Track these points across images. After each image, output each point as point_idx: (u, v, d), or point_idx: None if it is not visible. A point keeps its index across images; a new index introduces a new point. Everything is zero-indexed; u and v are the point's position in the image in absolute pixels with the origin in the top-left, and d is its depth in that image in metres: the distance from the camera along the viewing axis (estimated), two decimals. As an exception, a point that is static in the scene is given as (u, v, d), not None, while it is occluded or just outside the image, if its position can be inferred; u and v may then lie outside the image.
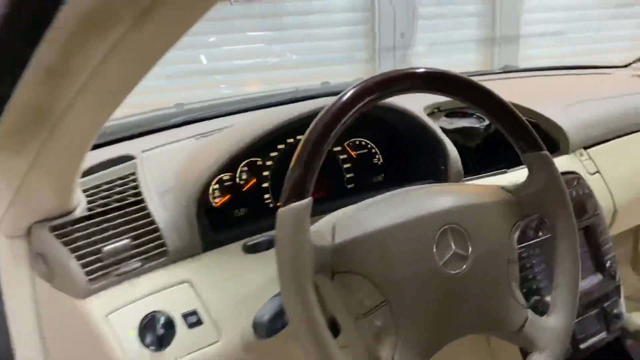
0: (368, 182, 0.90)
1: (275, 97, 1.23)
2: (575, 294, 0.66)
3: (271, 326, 0.59)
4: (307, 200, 0.52)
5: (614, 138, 1.12)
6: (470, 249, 0.59)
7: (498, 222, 0.63)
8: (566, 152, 1.03)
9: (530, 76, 1.38)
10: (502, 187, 0.67)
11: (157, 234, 0.65)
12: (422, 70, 0.60)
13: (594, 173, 1.04)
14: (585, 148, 1.07)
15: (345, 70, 3.25)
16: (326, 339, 0.51)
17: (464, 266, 0.59)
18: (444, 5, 3.44)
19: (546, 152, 0.65)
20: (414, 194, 0.61)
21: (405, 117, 0.84)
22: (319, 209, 0.77)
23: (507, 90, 1.23)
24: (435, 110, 1.01)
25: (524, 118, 0.64)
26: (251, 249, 0.62)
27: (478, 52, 3.49)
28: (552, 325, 0.63)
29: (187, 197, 0.67)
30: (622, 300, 0.97)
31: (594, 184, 1.02)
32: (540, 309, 0.82)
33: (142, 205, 0.67)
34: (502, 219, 0.64)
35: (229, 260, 0.68)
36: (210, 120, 0.92)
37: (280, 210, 0.51)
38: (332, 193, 0.87)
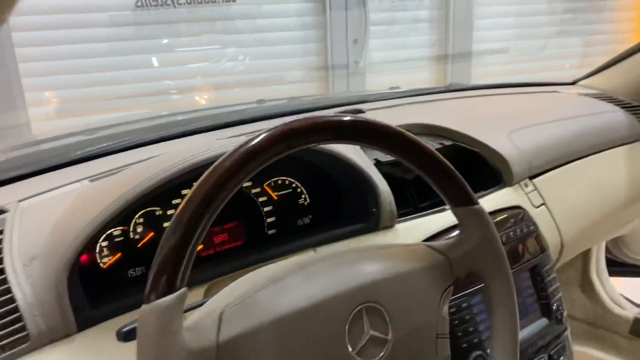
0: (293, 226, 0.80)
1: (203, 120, 1.12)
2: (515, 357, 0.58)
3: None
4: (180, 293, 0.41)
5: (561, 165, 1.06)
6: (390, 331, 0.50)
7: (425, 292, 0.54)
8: (510, 184, 0.96)
9: (476, 95, 1.31)
10: (432, 247, 0.58)
11: (16, 314, 0.53)
12: (343, 119, 0.50)
13: (540, 205, 0.97)
14: (531, 178, 1.00)
15: (298, 75, 3.16)
16: None
17: (383, 352, 0.49)
18: (396, 11, 3.39)
19: (480, 207, 0.57)
20: (322, 266, 0.52)
21: (331, 156, 0.75)
22: (237, 260, 0.66)
23: (451, 113, 1.15)
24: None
25: (454, 169, 0.56)
26: (127, 336, 0.51)
27: (431, 69, 3.47)
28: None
29: (57, 264, 0.56)
30: (570, 346, 0.91)
31: (540, 217, 0.95)
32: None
33: (1, 278, 0.55)
34: (430, 286, 0.55)
35: (106, 345, 0.56)
36: (109, 156, 0.80)
37: (142, 307, 0.40)
38: (252, 240, 0.76)
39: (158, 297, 0.40)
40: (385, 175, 0.80)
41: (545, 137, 1.06)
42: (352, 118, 0.51)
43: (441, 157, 0.55)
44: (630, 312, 1.47)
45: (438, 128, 1.01)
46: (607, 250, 1.67)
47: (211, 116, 1.19)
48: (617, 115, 1.22)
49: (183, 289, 0.41)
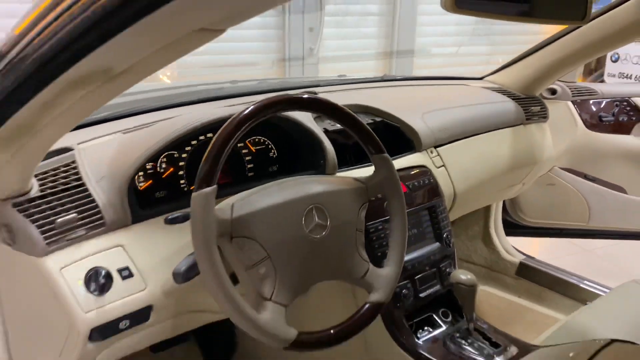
0: (265, 171, 1.14)
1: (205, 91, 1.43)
2: (402, 253, 0.95)
3: (186, 275, 0.82)
4: (213, 188, 0.75)
5: (459, 139, 1.45)
6: (328, 221, 0.86)
7: (351, 203, 0.90)
8: (419, 150, 1.33)
9: (402, 85, 1.69)
10: (356, 179, 0.94)
11: (96, 209, 0.85)
12: (303, 97, 0.85)
13: (440, 167, 1.35)
14: (436, 147, 1.38)
15: (259, 58, 3.47)
16: (227, 284, 0.75)
17: (324, 232, 0.85)
18: (349, 4, 3.74)
19: (386, 155, 0.93)
20: (291, 183, 0.87)
21: (294, 123, 1.09)
22: (225, 192, 1.00)
23: (382, 97, 1.52)
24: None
25: (371, 131, 0.92)
26: (171, 221, 0.84)
27: (377, 61, 3.89)
28: (384, 274, 0.92)
29: (118, 183, 0.88)
30: (455, 262, 1.29)
31: (439, 175, 1.33)
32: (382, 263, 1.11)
33: (84, 187, 0.87)
34: (354, 200, 0.91)
35: (152, 229, 0.89)
36: (136, 116, 1.11)
37: (193, 194, 0.74)
38: (236, 180, 1.10)
39: (203, 188, 0.74)
40: (331, 140, 1.15)
41: (449, 119, 1.44)
42: (309, 96, 0.85)
43: (363, 123, 0.91)
44: (517, 258, 1.91)
45: (371, 108, 1.37)
46: (507, 214, 2.11)
47: (196, 92, 1.50)
48: (508, 105, 1.62)
49: (215, 186, 0.75)
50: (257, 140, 1.13)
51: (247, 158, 1.11)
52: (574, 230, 2.11)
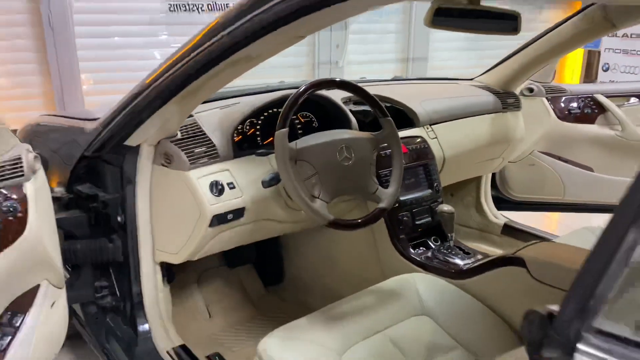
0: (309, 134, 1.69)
1: (263, 88, 2.01)
2: (399, 181, 1.48)
3: (269, 182, 1.37)
4: (286, 129, 1.30)
5: (449, 120, 1.98)
6: (353, 155, 1.41)
7: (367, 145, 1.45)
8: (418, 126, 1.87)
9: (408, 83, 2.24)
10: (370, 133, 1.49)
11: (214, 147, 1.41)
12: (336, 79, 1.41)
13: (433, 138, 1.89)
14: (430, 125, 1.92)
15: (293, 71, 4.06)
16: (296, 185, 1.30)
17: (350, 162, 1.40)
18: (371, 23, 4.33)
19: (389, 119, 1.48)
20: (331, 132, 1.42)
21: (330, 103, 1.65)
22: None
23: (393, 90, 2.07)
24: (347, 100, 1.82)
25: (378, 101, 1.46)
26: (258, 154, 1.41)
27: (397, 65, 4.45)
28: (387, 191, 1.46)
29: (226, 134, 1.44)
30: (436, 204, 1.80)
31: (433, 144, 1.87)
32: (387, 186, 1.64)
33: (205, 135, 1.43)
34: (368, 144, 1.46)
35: (246, 161, 1.45)
36: (223, 100, 1.68)
37: (277, 132, 1.30)
38: (291, 137, 1.66)
39: (281, 129, 1.29)
40: (355, 116, 1.70)
41: (442, 105, 1.98)
42: (340, 79, 1.41)
43: (374, 97, 1.46)
44: (502, 221, 2.42)
45: (384, 97, 1.92)
46: (498, 191, 2.62)
47: (257, 87, 2.07)
48: (488, 97, 2.15)
49: (287, 128, 1.30)
50: (304, 114, 1.69)
51: (299, 126, 1.67)
52: (552, 204, 2.60)
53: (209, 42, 1.06)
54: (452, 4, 1.05)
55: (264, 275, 2.08)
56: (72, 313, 1.69)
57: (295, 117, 1.66)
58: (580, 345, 0.49)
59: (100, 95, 3.59)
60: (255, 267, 2.07)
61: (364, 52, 4.35)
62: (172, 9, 3.71)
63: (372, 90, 2.06)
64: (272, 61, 1.15)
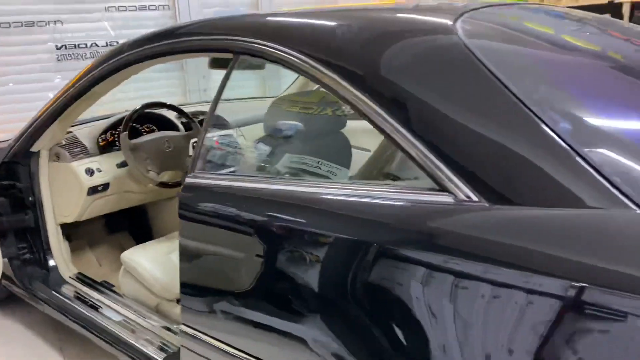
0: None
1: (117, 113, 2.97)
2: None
3: (121, 165, 2.35)
4: (126, 132, 2.29)
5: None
6: (173, 146, 2.42)
7: (183, 140, 2.47)
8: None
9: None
10: (185, 132, 2.51)
11: (86, 148, 2.37)
12: (153, 102, 2.43)
13: (239, 135, 2.95)
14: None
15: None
16: (135, 165, 2.28)
17: (170, 149, 2.41)
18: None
19: (196, 122, 2.51)
20: (159, 133, 2.43)
21: (163, 117, 2.66)
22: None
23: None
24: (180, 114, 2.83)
25: (188, 113, 2.50)
26: (115, 150, 2.39)
27: None
28: (196, 165, 2.49)
29: (93, 140, 2.41)
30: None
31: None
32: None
33: (80, 142, 2.38)
34: (184, 139, 2.48)
35: (108, 155, 2.43)
36: (95, 121, 2.64)
37: (120, 135, 2.28)
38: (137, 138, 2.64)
39: (124, 132, 2.28)
40: (184, 124, 2.72)
41: (244, 116, 3.05)
42: (156, 102, 2.44)
43: (184, 111, 2.49)
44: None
45: (201, 111, 2.95)
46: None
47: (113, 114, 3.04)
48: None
49: (127, 131, 2.29)
50: (149, 126, 2.67)
51: (145, 132, 2.65)
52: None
53: (76, 84, 2.02)
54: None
55: (137, 238, 3.01)
56: (4, 277, 2.53)
57: (141, 127, 2.64)
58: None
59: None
60: (131, 233, 3.00)
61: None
62: (59, 58, 4.56)
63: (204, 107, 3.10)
64: (154, 92, 2.13)
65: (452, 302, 0.90)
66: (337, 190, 1.15)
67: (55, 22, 4.55)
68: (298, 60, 1.25)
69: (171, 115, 2.70)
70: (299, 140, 1.58)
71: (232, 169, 1.51)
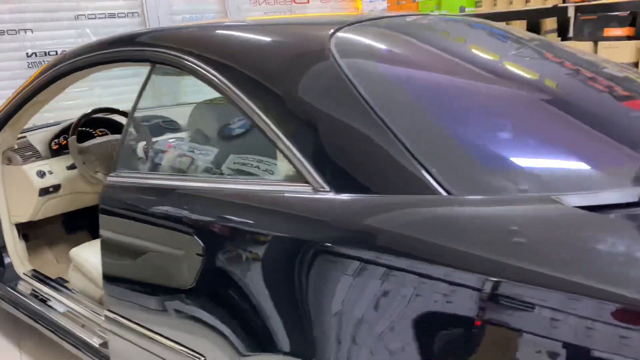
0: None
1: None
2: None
3: (70, 167, 2.49)
4: (74, 136, 2.43)
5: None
6: (119, 148, 2.57)
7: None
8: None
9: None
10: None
11: (38, 152, 2.51)
12: (99, 108, 2.57)
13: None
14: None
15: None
16: (82, 167, 2.42)
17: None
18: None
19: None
20: (108, 137, 2.58)
21: (114, 121, 2.80)
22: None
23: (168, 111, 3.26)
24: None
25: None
26: (66, 153, 2.53)
27: None
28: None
29: (45, 144, 2.54)
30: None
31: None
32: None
33: (33, 146, 2.52)
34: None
35: (59, 159, 2.57)
36: (48, 127, 2.78)
37: (69, 139, 2.43)
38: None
39: (72, 136, 2.42)
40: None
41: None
42: (103, 107, 2.59)
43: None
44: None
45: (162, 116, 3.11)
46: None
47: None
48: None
49: (75, 135, 2.43)
50: (102, 130, 2.81)
51: (97, 135, 2.79)
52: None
53: (22, 91, 2.16)
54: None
55: (96, 237, 3.15)
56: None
57: (94, 131, 2.79)
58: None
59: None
60: (90, 232, 3.14)
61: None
62: (30, 66, 4.70)
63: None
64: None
65: (298, 278, 1.06)
66: (222, 184, 1.31)
67: (25, 30, 4.68)
68: (198, 68, 1.40)
69: (124, 120, 2.85)
70: (205, 140, 1.73)
71: (146, 169, 1.66)
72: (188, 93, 2.69)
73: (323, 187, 1.11)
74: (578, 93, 1.28)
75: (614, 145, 1.06)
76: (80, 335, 1.96)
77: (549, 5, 4.24)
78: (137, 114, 1.62)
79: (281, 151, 1.20)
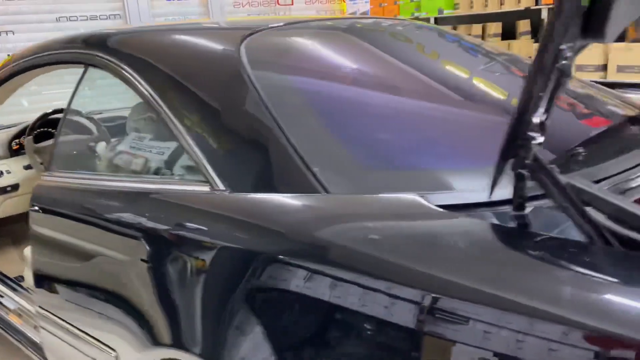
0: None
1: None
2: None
3: (27, 167, 2.53)
4: (30, 137, 2.48)
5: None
6: (77, 148, 2.61)
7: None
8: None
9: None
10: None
11: None
12: (52, 110, 2.62)
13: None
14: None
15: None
16: (38, 167, 2.46)
17: (75, 152, 2.60)
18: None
19: None
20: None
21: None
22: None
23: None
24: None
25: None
26: (23, 154, 2.57)
27: None
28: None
29: (4, 145, 2.58)
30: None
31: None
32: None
33: (-9, 146, 2.56)
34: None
35: (17, 159, 2.60)
36: (9, 128, 2.83)
37: (25, 140, 2.47)
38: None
39: (28, 137, 2.46)
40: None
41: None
42: (57, 109, 2.64)
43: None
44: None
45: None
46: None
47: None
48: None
49: (31, 137, 2.47)
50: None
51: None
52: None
53: None
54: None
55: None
56: None
57: (52, 130, 2.82)
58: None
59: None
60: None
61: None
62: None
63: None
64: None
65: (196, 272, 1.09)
66: (130, 182, 1.35)
67: (7, 32, 4.73)
68: (122, 70, 1.44)
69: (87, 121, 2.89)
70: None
71: (74, 168, 1.70)
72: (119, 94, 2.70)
73: (218, 186, 1.14)
74: (449, 97, 1.31)
75: (480, 146, 1.09)
76: (24, 331, 2.00)
77: (522, 7, 4.26)
78: (70, 116, 1.66)
79: (186, 151, 1.23)
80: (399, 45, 1.57)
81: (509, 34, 4.61)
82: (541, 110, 0.78)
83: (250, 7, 5.85)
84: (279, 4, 5.99)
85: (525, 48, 4.25)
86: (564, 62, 0.76)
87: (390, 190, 1.00)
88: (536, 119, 0.78)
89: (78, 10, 4.98)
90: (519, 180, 0.81)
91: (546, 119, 0.80)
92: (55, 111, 2.61)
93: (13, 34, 4.77)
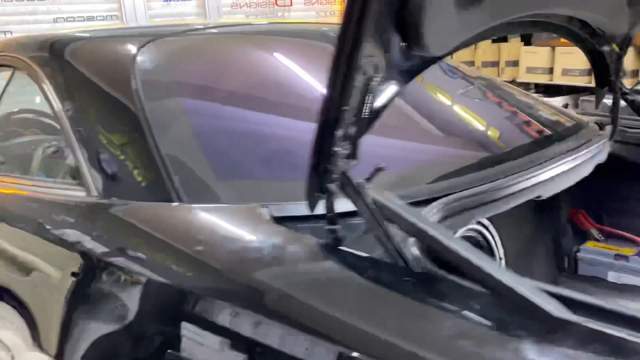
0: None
1: None
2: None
3: None
4: None
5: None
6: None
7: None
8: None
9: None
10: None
11: None
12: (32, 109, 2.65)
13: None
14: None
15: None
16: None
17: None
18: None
19: None
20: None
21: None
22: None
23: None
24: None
25: None
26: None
27: None
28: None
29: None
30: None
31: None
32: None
33: None
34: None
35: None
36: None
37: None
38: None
39: None
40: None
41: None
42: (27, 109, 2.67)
43: None
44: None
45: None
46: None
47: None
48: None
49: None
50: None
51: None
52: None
53: None
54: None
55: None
56: None
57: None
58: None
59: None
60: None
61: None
62: None
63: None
64: None
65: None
66: (20, 185, 1.37)
67: (5, 32, 4.84)
68: (39, 73, 1.45)
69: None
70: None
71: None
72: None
73: (92, 192, 1.14)
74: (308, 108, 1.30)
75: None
76: None
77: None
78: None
79: (74, 156, 1.24)
80: (287, 54, 1.56)
81: (500, 39, 4.52)
82: (348, 121, 0.75)
83: (248, 8, 5.86)
84: (277, 4, 5.99)
85: (514, 50, 4.18)
86: (368, 70, 0.73)
87: (244, 200, 0.99)
88: (340, 132, 0.75)
89: (75, 11, 5.07)
90: (329, 195, 0.78)
91: (357, 131, 0.77)
92: (23, 111, 2.65)
93: (11, 34, 4.87)
